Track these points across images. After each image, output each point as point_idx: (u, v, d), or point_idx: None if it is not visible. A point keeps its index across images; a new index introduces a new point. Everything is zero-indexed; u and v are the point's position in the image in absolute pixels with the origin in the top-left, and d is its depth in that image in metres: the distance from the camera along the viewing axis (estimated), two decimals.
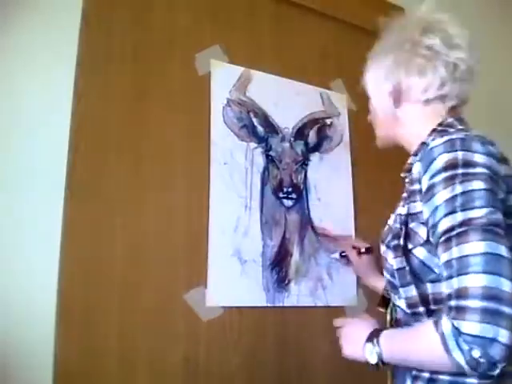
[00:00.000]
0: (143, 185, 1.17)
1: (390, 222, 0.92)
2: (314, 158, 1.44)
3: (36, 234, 1.04)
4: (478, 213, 0.71)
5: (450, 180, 0.74)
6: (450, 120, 0.89)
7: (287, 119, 1.41)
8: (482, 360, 0.65)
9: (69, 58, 1.13)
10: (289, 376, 1.27)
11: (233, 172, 1.29)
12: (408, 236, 0.83)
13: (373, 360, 0.82)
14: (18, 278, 1.00)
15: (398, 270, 0.86)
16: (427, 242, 0.79)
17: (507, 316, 0.65)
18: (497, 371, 0.67)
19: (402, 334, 0.83)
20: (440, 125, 0.89)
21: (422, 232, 0.80)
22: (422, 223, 0.80)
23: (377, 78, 0.97)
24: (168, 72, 1.25)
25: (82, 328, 1.04)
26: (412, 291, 0.84)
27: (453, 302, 0.69)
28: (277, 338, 1.27)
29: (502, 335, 0.65)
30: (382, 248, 0.91)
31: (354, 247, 1.31)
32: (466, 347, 0.66)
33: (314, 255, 1.37)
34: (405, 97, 0.93)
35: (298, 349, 1.30)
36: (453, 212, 0.72)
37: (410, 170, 0.88)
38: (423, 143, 0.88)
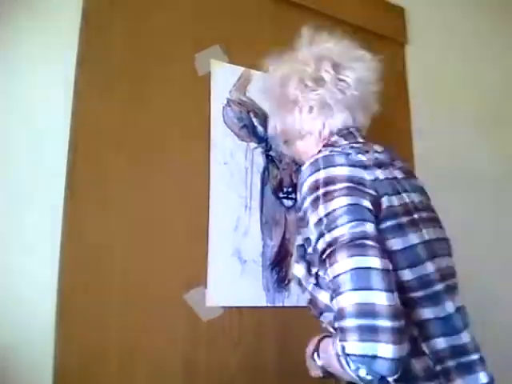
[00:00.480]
0: (143, 185, 1.17)
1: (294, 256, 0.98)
2: None
3: (36, 233, 1.04)
4: (342, 230, 0.72)
5: (315, 203, 0.76)
6: (333, 138, 0.94)
7: None
8: (369, 377, 0.66)
9: (69, 58, 1.13)
10: (289, 376, 1.27)
11: (233, 172, 1.29)
12: (311, 261, 0.84)
13: (321, 373, 0.85)
14: (17, 278, 1.00)
15: (309, 301, 0.89)
16: (318, 260, 0.80)
17: (384, 329, 0.65)
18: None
19: (326, 344, 0.82)
20: (324, 145, 0.94)
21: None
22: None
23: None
24: (168, 72, 1.25)
25: (82, 328, 1.04)
26: (327, 318, 0.84)
27: (336, 324, 0.70)
28: (277, 337, 1.27)
29: (382, 350, 0.64)
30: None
31: None
32: (353, 366, 0.66)
33: None
34: (285, 136, 1.07)
35: (298, 349, 1.29)
36: (321, 235, 0.74)
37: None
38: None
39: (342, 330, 0.68)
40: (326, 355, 0.79)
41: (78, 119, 1.11)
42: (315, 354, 0.84)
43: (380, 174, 0.80)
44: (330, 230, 0.73)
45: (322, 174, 0.78)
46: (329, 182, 0.77)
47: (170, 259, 1.16)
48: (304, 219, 0.80)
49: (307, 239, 0.83)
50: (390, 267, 0.70)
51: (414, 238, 0.79)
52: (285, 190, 1.36)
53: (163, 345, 1.12)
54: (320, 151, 0.90)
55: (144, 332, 1.10)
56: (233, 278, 1.23)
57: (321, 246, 0.75)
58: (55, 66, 1.12)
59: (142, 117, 1.20)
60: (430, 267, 0.78)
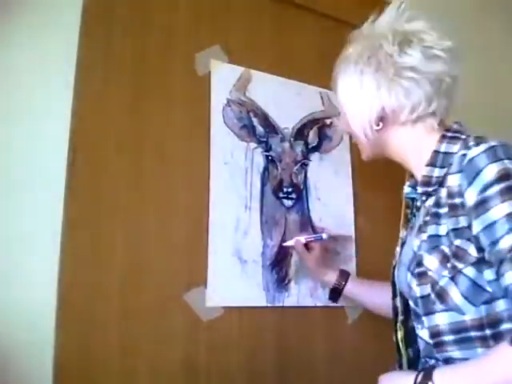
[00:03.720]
0: (143, 185, 1.17)
1: (415, 247, 0.85)
2: (314, 158, 1.44)
3: (36, 233, 1.03)
4: None
5: (507, 193, 0.70)
6: (455, 126, 0.88)
7: (287, 119, 1.41)
8: None
9: (69, 58, 1.13)
10: (289, 376, 1.27)
11: (233, 172, 1.29)
12: (455, 255, 0.78)
13: None
14: (17, 278, 1.00)
15: (421, 297, 0.82)
16: (478, 260, 0.75)
17: None
18: None
19: (466, 367, 0.74)
20: (448, 130, 0.87)
21: (471, 250, 0.76)
22: (468, 239, 0.76)
23: (354, 100, 0.91)
24: (168, 72, 1.25)
25: (82, 328, 1.04)
26: (437, 320, 0.80)
27: None
28: (277, 337, 1.27)
29: None
30: (408, 276, 0.86)
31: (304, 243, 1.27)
32: None
33: None
34: (390, 120, 0.89)
35: (297, 349, 1.30)
36: None
37: (428, 183, 0.85)
38: (436, 151, 0.85)
39: None
40: (470, 377, 0.72)
41: (78, 119, 1.11)
42: (429, 383, 0.73)
43: None
44: None
45: (509, 165, 0.72)
46: None
47: (170, 259, 1.16)
48: (470, 207, 0.74)
49: (460, 229, 0.77)
50: None
51: None
52: (285, 190, 1.36)
53: (163, 345, 1.12)
54: (445, 136, 0.86)
55: (144, 332, 1.10)
56: (233, 278, 1.23)
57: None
58: (55, 65, 1.12)
59: (142, 117, 1.20)
60: None
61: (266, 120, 1.38)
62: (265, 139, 1.36)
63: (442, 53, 0.86)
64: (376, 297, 1.19)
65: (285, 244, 1.31)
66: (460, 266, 0.77)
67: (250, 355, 1.22)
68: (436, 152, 0.86)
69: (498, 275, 0.72)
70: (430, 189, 0.85)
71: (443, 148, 0.85)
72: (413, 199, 0.97)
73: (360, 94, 0.90)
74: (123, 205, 1.13)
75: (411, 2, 0.95)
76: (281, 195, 1.35)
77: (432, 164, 0.85)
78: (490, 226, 0.71)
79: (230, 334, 1.21)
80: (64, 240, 1.05)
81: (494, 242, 0.71)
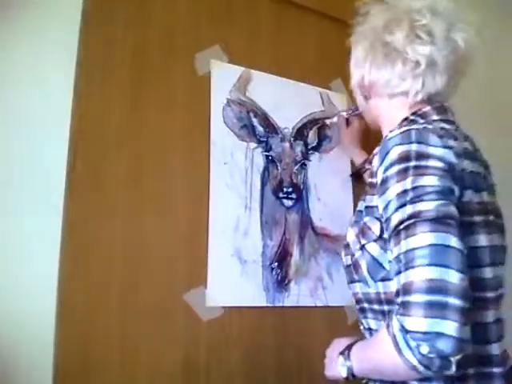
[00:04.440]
0: (143, 185, 1.17)
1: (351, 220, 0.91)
2: (314, 158, 1.44)
3: (36, 234, 1.04)
4: (428, 205, 0.69)
5: (403, 173, 0.72)
6: (425, 109, 0.87)
7: (287, 119, 1.41)
8: (431, 355, 0.63)
9: (69, 58, 1.13)
10: (289, 376, 1.27)
11: (233, 172, 1.29)
12: (362, 231, 0.82)
13: (343, 373, 0.80)
14: (17, 278, 1.00)
15: (346, 267, 0.88)
16: (380, 237, 0.78)
17: (454, 307, 0.63)
18: (452, 368, 0.64)
19: (366, 343, 0.81)
20: (413, 114, 0.87)
21: (375, 227, 0.79)
22: (376, 218, 0.79)
23: (351, 67, 0.99)
24: (168, 72, 1.25)
25: (82, 328, 1.04)
26: (356, 288, 0.85)
27: (399, 299, 0.67)
28: (277, 337, 1.27)
29: (449, 328, 0.62)
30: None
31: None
32: (413, 344, 0.63)
33: (314, 255, 1.37)
34: (370, 90, 0.94)
35: (297, 349, 1.30)
36: (403, 205, 0.70)
37: (370, 161, 0.89)
38: (390, 132, 0.84)
39: (405, 305, 0.65)
40: (363, 354, 0.78)
41: (78, 119, 1.11)
42: (345, 353, 0.81)
43: (467, 165, 0.77)
44: (414, 203, 0.69)
45: (414, 147, 0.73)
46: (422, 156, 0.72)
47: (170, 259, 1.16)
48: (378, 186, 0.77)
49: (370, 207, 0.81)
50: (465, 252, 0.68)
51: (482, 240, 0.77)
52: (285, 190, 1.36)
53: (163, 345, 1.12)
54: (407, 118, 0.87)
55: (144, 332, 1.10)
56: (233, 278, 1.23)
57: (399, 216, 0.70)
58: (55, 65, 1.12)
59: (142, 117, 1.20)
60: (488, 273, 0.77)
61: (265, 120, 1.38)
62: (265, 139, 1.36)
63: (425, 35, 0.85)
64: None
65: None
66: (363, 241, 0.81)
67: (250, 355, 1.22)
68: (390, 132, 0.84)
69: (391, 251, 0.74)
70: (370, 167, 0.90)
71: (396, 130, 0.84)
72: None
73: (352, 62, 0.98)
74: (123, 205, 1.13)
75: None
76: (281, 195, 1.35)
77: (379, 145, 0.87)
78: (386, 206, 0.74)
79: (230, 334, 1.21)
80: (64, 240, 1.05)
81: (387, 220, 0.73)
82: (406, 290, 0.66)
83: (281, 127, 1.40)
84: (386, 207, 0.74)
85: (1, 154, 1.04)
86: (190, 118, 1.26)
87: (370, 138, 1.29)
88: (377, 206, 0.78)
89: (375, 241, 0.79)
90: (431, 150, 0.73)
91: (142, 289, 1.11)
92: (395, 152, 0.74)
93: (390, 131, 0.79)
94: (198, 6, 1.34)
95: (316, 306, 1.34)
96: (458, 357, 0.63)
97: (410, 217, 0.69)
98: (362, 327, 0.90)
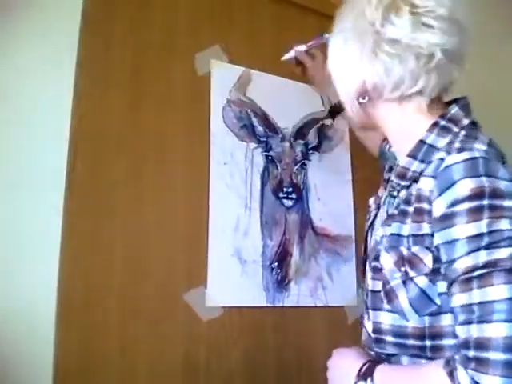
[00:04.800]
0: (143, 185, 1.17)
1: (378, 237, 0.82)
2: (314, 158, 1.44)
3: (36, 234, 1.04)
4: (505, 253, 0.64)
5: (475, 213, 0.65)
6: (454, 110, 0.78)
7: (287, 119, 1.41)
8: None
9: (69, 58, 1.13)
10: (289, 376, 1.27)
11: (233, 172, 1.29)
12: (408, 261, 0.74)
13: None
14: (17, 278, 1.00)
15: (372, 291, 0.80)
16: (432, 270, 0.72)
17: None
18: None
19: (403, 373, 0.75)
20: (442, 117, 0.78)
21: (427, 259, 0.72)
22: (427, 248, 0.72)
23: (340, 73, 0.85)
24: (168, 72, 1.25)
25: (82, 328, 1.04)
26: (381, 317, 0.78)
27: (471, 353, 0.63)
28: (277, 337, 1.27)
29: None
30: (367, 267, 0.85)
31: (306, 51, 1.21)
32: None
33: (314, 255, 1.37)
34: (374, 96, 0.80)
35: (298, 349, 1.30)
36: (476, 250, 0.65)
37: (403, 176, 0.79)
38: (422, 141, 0.77)
39: (480, 361, 0.62)
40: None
41: (78, 119, 1.11)
42: (368, 379, 0.74)
43: None
44: (489, 249, 0.64)
45: (485, 183, 0.66)
46: (496, 195, 0.65)
47: (170, 259, 1.16)
48: (436, 218, 0.69)
49: (421, 236, 0.73)
50: None
51: None
52: (285, 190, 1.36)
53: (163, 345, 1.12)
54: (436, 124, 0.77)
55: (144, 332, 1.10)
56: (233, 278, 1.23)
57: (470, 262, 0.65)
58: (55, 65, 1.12)
59: (142, 117, 1.20)
60: None
61: (265, 120, 1.38)
62: (265, 139, 1.36)
63: (435, 21, 0.74)
64: (367, 138, 1.21)
65: (283, 58, 1.24)
66: (412, 274, 0.74)
67: (250, 355, 1.22)
68: (421, 142, 0.77)
69: (448, 294, 0.70)
70: (403, 183, 0.79)
71: (430, 139, 0.77)
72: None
73: (343, 65, 0.83)
74: (123, 205, 1.13)
75: None
76: (281, 195, 1.35)
77: (413, 156, 0.77)
78: (450, 243, 0.68)
79: (230, 334, 1.21)
80: (64, 240, 1.05)
81: (451, 261, 0.68)
82: (481, 344, 0.62)
83: (281, 127, 1.40)
84: (449, 246, 0.68)
85: (1, 154, 1.04)
86: (189, 118, 1.26)
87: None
88: (428, 235, 0.72)
89: (426, 274, 0.73)
90: (502, 186, 0.66)
91: (141, 289, 1.11)
92: (465, 187, 0.66)
93: (449, 150, 0.72)
94: (197, 5, 1.34)
95: (316, 306, 1.34)
96: None
97: (485, 265, 0.64)
98: (372, 353, 0.83)
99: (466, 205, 0.66)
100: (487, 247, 0.64)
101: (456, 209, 0.66)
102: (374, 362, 0.77)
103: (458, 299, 0.66)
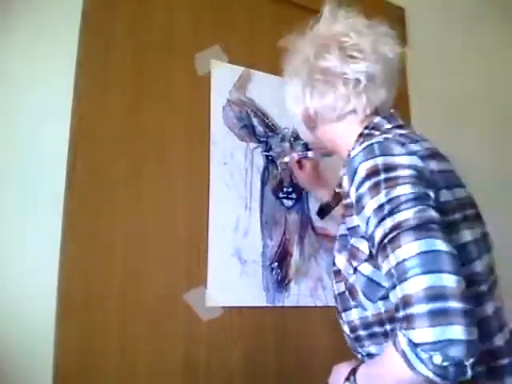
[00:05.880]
0: (143, 185, 1.17)
1: (335, 246, 0.89)
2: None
3: (36, 233, 1.04)
4: (407, 214, 0.68)
5: (374, 188, 0.72)
6: (376, 120, 0.89)
7: (287, 119, 1.41)
8: (445, 364, 0.61)
9: (69, 57, 1.13)
10: (289, 376, 1.27)
11: (233, 172, 1.29)
12: (351, 254, 0.80)
13: None
14: (17, 278, 1.00)
15: (339, 294, 0.85)
16: (371, 256, 0.76)
17: (456, 311, 0.61)
18: (468, 372, 0.62)
19: (372, 365, 0.78)
20: (366, 127, 0.89)
21: (363, 247, 0.78)
22: (362, 237, 0.77)
23: (289, 105, 0.99)
24: (168, 72, 1.25)
25: (82, 328, 1.04)
26: (351, 315, 0.83)
27: (401, 313, 0.65)
28: (277, 337, 1.27)
29: (457, 332, 0.60)
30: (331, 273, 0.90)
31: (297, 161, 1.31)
32: (425, 356, 0.61)
33: (314, 255, 1.37)
34: (318, 121, 0.95)
35: (297, 349, 1.30)
36: (382, 220, 0.70)
37: (340, 184, 0.85)
38: (349, 151, 0.85)
39: (408, 318, 0.64)
40: (371, 376, 0.75)
41: (78, 119, 1.11)
42: (351, 379, 0.78)
43: (434, 165, 0.78)
44: (392, 214, 0.69)
45: (379, 160, 0.73)
46: (390, 168, 0.73)
47: (170, 259, 1.16)
48: (354, 206, 0.77)
49: (353, 228, 0.80)
50: (455, 252, 0.67)
51: (466, 236, 0.77)
52: (285, 190, 1.36)
53: (163, 345, 1.12)
54: (361, 134, 0.88)
55: (144, 332, 1.10)
56: (233, 278, 1.23)
57: (381, 232, 0.70)
58: (55, 66, 1.12)
59: (142, 117, 1.20)
60: (478, 267, 0.77)
61: (265, 120, 1.38)
62: (265, 139, 1.36)
63: (358, 53, 0.88)
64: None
65: (281, 161, 1.35)
66: (355, 263, 0.79)
67: (250, 355, 1.22)
68: (349, 152, 0.84)
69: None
70: (341, 190, 0.86)
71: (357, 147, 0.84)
72: None
73: (290, 99, 0.98)
74: (123, 205, 1.13)
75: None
76: (281, 195, 1.35)
77: (344, 165, 0.85)
78: (367, 223, 0.73)
79: (230, 333, 1.21)
80: (64, 240, 1.05)
81: (370, 238, 0.73)
82: (405, 302, 0.65)
83: (281, 127, 1.40)
84: (366, 225, 0.74)
85: (1, 154, 1.04)
86: (189, 118, 1.26)
87: None
88: (359, 226, 0.78)
89: (366, 260, 0.78)
90: (397, 160, 0.74)
91: (142, 289, 1.11)
92: (363, 169, 0.74)
93: (352, 149, 0.81)
94: (198, 5, 1.34)
95: (316, 306, 1.34)
96: (472, 360, 0.62)
97: (391, 229, 0.69)
98: (359, 356, 0.87)
99: (367, 184, 0.73)
100: (390, 214, 0.69)
101: (361, 190, 0.74)
102: (357, 367, 0.80)
103: (383, 269, 0.70)
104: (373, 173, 0.73)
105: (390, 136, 0.79)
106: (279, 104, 1.40)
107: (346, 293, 0.83)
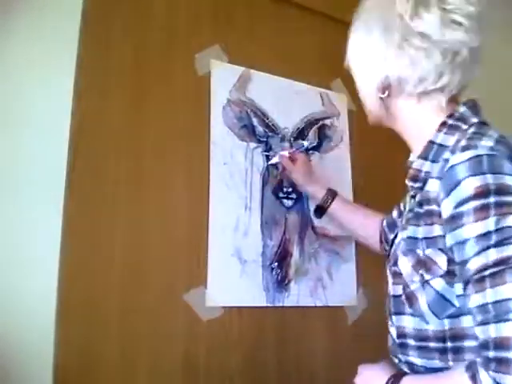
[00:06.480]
0: (143, 185, 1.17)
1: (396, 241, 0.83)
2: (314, 157, 1.44)
3: (36, 233, 1.04)
4: None
5: (482, 211, 0.64)
6: (462, 109, 0.78)
7: (287, 119, 1.41)
8: None
9: (69, 57, 1.13)
10: (289, 376, 1.27)
11: (233, 172, 1.29)
12: (423, 264, 0.75)
13: None
14: (18, 278, 1.00)
15: (393, 296, 0.81)
16: (447, 273, 0.72)
17: None
18: None
19: (428, 381, 0.75)
20: (450, 116, 0.78)
21: (441, 261, 0.72)
22: (441, 249, 0.72)
23: (362, 66, 0.85)
24: (168, 72, 1.25)
25: (82, 328, 1.04)
26: (405, 322, 0.79)
27: (491, 354, 0.62)
28: (277, 337, 1.27)
29: None
30: (388, 269, 0.85)
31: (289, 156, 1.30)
32: None
33: (314, 255, 1.37)
34: (395, 91, 0.81)
35: (297, 349, 1.30)
36: (486, 249, 0.64)
37: (416, 178, 0.79)
38: (431, 142, 0.78)
39: (501, 362, 0.61)
40: None
41: (78, 119, 1.11)
42: None
43: None
44: (499, 246, 0.63)
45: (489, 179, 0.65)
46: (502, 191, 0.65)
47: (170, 259, 1.16)
48: (442, 218, 0.70)
49: (433, 238, 0.74)
50: None
51: None
52: (285, 190, 1.36)
53: (163, 345, 1.12)
54: (445, 123, 0.77)
55: (144, 332, 1.10)
56: (233, 278, 1.23)
57: (481, 261, 0.64)
58: (55, 65, 1.12)
59: (142, 117, 1.20)
60: None
61: (265, 120, 1.38)
62: (265, 139, 1.36)
63: (464, 19, 0.74)
64: (360, 228, 1.21)
65: (270, 162, 1.34)
66: (427, 277, 0.74)
67: (250, 355, 1.22)
68: (430, 143, 0.78)
69: (465, 295, 0.69)
70: (416, 185, 0.80)
71: (439, 139, 0.77)
72: None
73: (366, 58, 0.83)
74: (123, 205, 1.13)
75: None
76: (281, 195, 1.35)
77: (424, 157, 0.78)
78: (461, 244, 0.67)
79: (230, 333, 1.21)
80: (64, 240, 1.05)
81: (463, 262, 0.68)
82: (500, 344, 0.62)
83: (281, 127, 1.40)
84: (460, 246, 0.68)
85: (1, 154, 1.04)
86: (189, 118, 1.26)
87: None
88: (440, 237, 0.72)
89: (441, 276, 0.73)
90: (509, 181, 0.65)
91: (142, 289, 1.11)
92: (470, 186, 0.66)
93: (454, 150, 0.72)
94: (198, 5, 1.34)
95: (316, 306, 1.34)
96: None
97: (496, 263, 0.63)
98: (396, 361, 0.84)
99: (472, 204, 0.65)
100: (496, 245, 0.63)
101: (463, 209, 0.66)
102: (399, 375, 0.77)
103: (474, 300, 0.66)
104: (482, 193, 0.65)
105: (491, 144, 0.69)
106: (279, 104, 1.40)
107: (403, 297, 0.78)
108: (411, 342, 0.78)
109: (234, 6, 1.40)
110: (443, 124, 0.78)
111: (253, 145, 1.34)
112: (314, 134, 1.45)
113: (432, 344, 0.75)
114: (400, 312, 0.79)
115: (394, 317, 0.82)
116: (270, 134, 1.37)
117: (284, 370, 1.26)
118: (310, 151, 1.44)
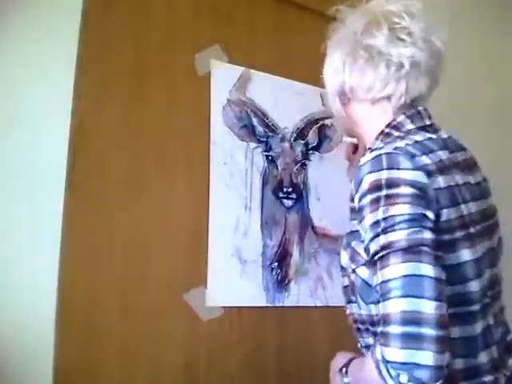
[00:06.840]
0: (143, 185, 1.17)
1: (343, 241, 0.90)
2: (314, 157, 1.44)
3: (36, 233, 1.04)
4: (399, 235, 0.69)
5: (374, 203, 0.72)
6: (399, 119, 0.86)
7: (287, 119, 1.41)
8: (410, 383, 0.64)
9: (69, 58, 1.13)
10: (289, 376, 1.27)
11: (233, 172, 1.29)
12: (352, 255, 0.82)
13: None
14: (17, 279, 1.00)
15: (344, 287, 0.87)
16: (368, 261, 0.77)
17: (429, 338, 0.64)
18: None
19: (360, 363, 0.80)
20: (388, 125, 0.86)
21: (362, 251, 0.79)
22: (362, 241, 0.78)
23: (327, 75, 0.96)
24: (168, 72, 1.25)
25: (82, 329, 1.04)
26: (353, 309, 0.85)
27: (380, 328, 0.68)
28: (277, 337, 1.27)
29: (425, 358, 0.63)
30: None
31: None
32: (393, 373, 0.65)
33: (314, 255, 1.37)
34: (350, 96, 0.91)
35: (297, 349, 1.30)
36: (376, 236, 0.71)
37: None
38: (369, 149, 0.85)
39: (384, 336, 0.67)
40: (357, 373, 0.79)
41: (78, 119, 1.11)
42: (343, 370, 0.82)
43: (442, 181, 0.77)
44: (386, 233, 0.70)
45: (384, 175, 0.73)
46: (392, 184, 0.72)
47: (170, 259, 1.16)
48: (357, 212, 0.77)
49: (354, 232, 0.81)
50: (443, 276, 0.69)
51: (465, 255, 0.77)
52: (285, 190, 1.36)
53: (163, 344, 1.12)
54: (382, 132, 0.85)
55: (144, 332, 1.10)
56: (233, 278, 1.23)
57: (373, 247, 0.72)
58: (55, 66, 1.12)
59: (142, 117, 1.20)
60: (473, 287, 0.77)
61: (265, 120, 1.38)
62: (265, 139, 1.36)
63: (406, 36, 0.84)
64: None
65: (345, 139, 1.24)
66: (353, 266, 0.81)
67: (250, 355, 1.22)
68: (368, 149, 0.85)
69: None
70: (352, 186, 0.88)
71: (374, 146, 0.84)
72: None
73: (329, 70, 0.94)
74: (123, 205, 1.13)
75: None
76: (281, 195, 1.35)
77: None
78: (365, 234, 0.75)
79: (230, 333, 1.21)
80: (64, 240, 1.05)
81: (366, 249, 0.75)
82: (384, 320, 0.68)
83: (281, 127, 1.40)
84: (364, 235, 0.75)
85: (1, 154, 1.04)
86: (189, 118, 1.26)
87: None
88: (358, 231, 0.79)
89: (364, 264, 0.79)
90: (402, 175, 0.73)
91: (141, 289, 1.11)
92: (367, 181, 0.74)
93: (371, 149, 0.80)
94: (198, 5, 1.34)
95: (316, 306, 1.34)
96: (438, 383, 0.65)
97: (382, 248, 0.70)
98: (359, 345, 0.90)
99: (369, 197, 0.74)
100: (383, 232, 0.70)
101: (363, 202, 0.75)
102: (353, 358, 0.83)
103: (374, 281, 0.73)
104: (375, 187, 0.73)
105: (402, 145, 0.78)
106: (279, 104, 1.41)
107: (349, 288, 0.85)
108: (360, 326, 0.85)
109: (234, 6, 1.40)
110: (381, 132, 0.86)
111: (253, 145, 1.34)
112: (313, 133, 1.45)
113: (369, 327, 0.82)
114: (350, 301, 0.86)
115: (347, 305, 0.88)
116: (269, 133, 1.37)
117: (284, 369, 1.26)
118: (310, 151, 1.44)
